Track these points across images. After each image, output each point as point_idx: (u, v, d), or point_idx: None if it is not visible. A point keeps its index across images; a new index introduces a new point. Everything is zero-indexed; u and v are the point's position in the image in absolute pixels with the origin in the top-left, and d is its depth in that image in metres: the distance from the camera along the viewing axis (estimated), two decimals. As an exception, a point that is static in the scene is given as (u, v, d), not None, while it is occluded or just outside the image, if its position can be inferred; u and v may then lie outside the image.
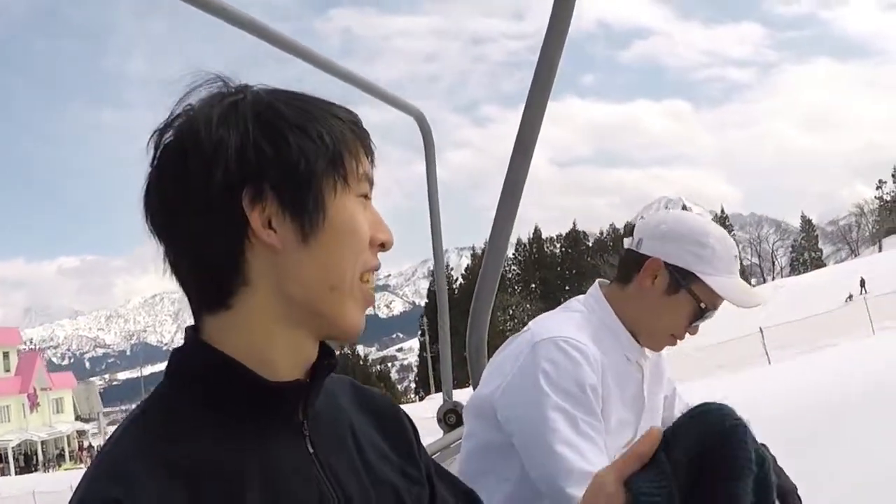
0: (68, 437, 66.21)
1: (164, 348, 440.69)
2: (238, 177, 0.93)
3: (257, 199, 0.93)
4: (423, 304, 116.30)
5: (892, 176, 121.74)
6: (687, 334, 1.96)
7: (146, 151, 0.97)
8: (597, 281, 2.05)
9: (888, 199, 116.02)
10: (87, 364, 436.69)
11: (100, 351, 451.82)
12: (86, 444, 67.12)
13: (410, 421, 1.21)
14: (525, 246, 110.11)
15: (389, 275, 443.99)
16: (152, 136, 0.97)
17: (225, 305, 0.96)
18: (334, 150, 0.97)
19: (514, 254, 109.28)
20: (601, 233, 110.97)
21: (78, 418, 73.56)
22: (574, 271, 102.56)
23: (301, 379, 0.99)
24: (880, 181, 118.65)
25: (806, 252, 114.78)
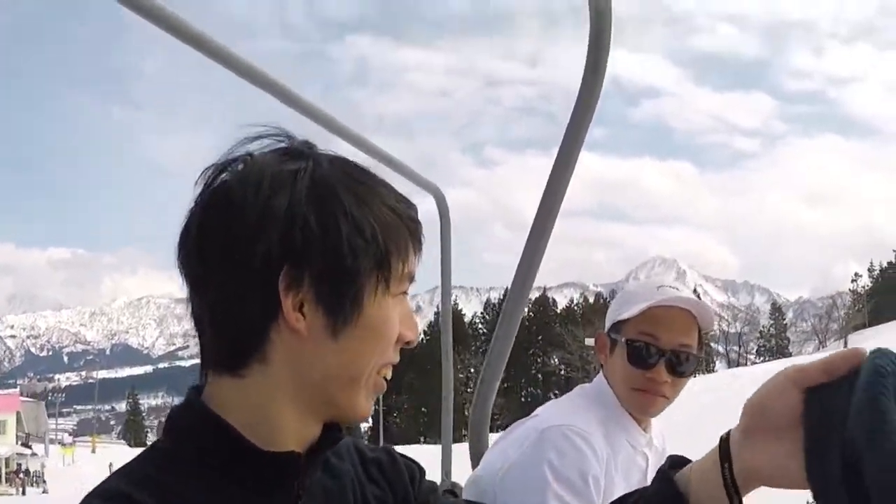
0: (7, 459, 66.18)
1: (145, 352, 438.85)
2: (279, 253, 0.90)
3: (294, 285, 0.91)
4: (482, 312, 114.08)
5: (868, 270, 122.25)
6: (661, 381, 1.89)
7: (195, 183, 0.95)
8: (601, 370, 2.04)
9: (861, 292, 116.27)
10: (66, 359, 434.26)
11: (80, 347, 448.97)
12: (23, 466, 67.18)
13: (410, 464, 1.18)
14: (494, 306, 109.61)
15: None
16: (206, 170, 0.95)
17: (237, 374, 0.94)
18: (385, 252, 0.94)
19: (481, 313, 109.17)
20: (571, 301, 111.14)
21: (27, 437, 73.52)
22: (540, 337, 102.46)
23: (297, 451, 0.96)
24: (856, 274, 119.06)
25: (773, 339, 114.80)
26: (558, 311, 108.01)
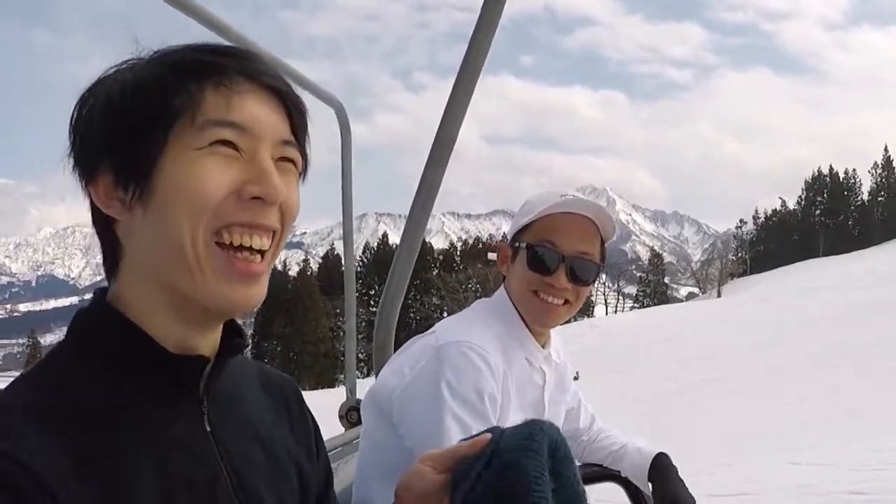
0: None
1: (71, 283, 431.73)
2: (92, 149, 0.90)
3: (94, 174, 0.90)
4: (361, 256, 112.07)
5: (753, 217, 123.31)
6: (560, 286, 1.87)
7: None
8: (503, 283, 2.00)
9: (745, 238, 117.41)
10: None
11: (4, 279, 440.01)
12: None
13: (312, 417, 1.18)
14: (372, 249, 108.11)
15: (305, 232, 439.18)
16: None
17: (115, 274, 0.93)
18: (160, 105, 0.88)
19: (360, 256, 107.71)
20: (451, 245, 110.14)
21: None
22: (417, 281, 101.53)
23: (204, 355, 0.95)
24: (741, 220, 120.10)
25: (651, 284, 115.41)
26: (436, 255, 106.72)
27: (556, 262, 1.85)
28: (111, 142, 0.89)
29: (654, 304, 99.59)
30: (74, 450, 0.81)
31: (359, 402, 2.70)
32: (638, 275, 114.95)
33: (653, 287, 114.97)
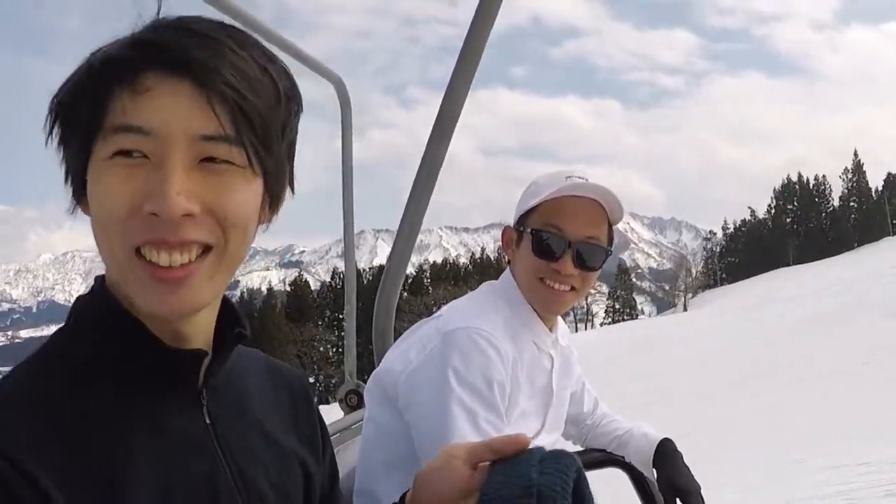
0: None
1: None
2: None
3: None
4: (330, 282, 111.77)
5: (722, 228, 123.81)
6: (566, 273, 1.83)
7: None
8: (508, 267, 1.96)
9: (716, 250, 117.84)
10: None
11: (5, 306, 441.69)
12: None
13: (320, 414, 1.14)
14: (341, 275, 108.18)
15: (304, 251, 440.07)
16: None
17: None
18: (76, 116, 0.83)
19: (330, 281, 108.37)
20: (419, 269, 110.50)
21: None
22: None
23: (202, 349, 0.91)
24: (710, 232, 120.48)
25: (620, 299, 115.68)
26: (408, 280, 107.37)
27: (562, 247, 1.82)
28: (66, 145, 0.86)
29: (624, 320, 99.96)
30: (70, 444, 0.78)
31: (359, 385, 2.75)
32: (608, 289, 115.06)
33: (622, 302, 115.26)
